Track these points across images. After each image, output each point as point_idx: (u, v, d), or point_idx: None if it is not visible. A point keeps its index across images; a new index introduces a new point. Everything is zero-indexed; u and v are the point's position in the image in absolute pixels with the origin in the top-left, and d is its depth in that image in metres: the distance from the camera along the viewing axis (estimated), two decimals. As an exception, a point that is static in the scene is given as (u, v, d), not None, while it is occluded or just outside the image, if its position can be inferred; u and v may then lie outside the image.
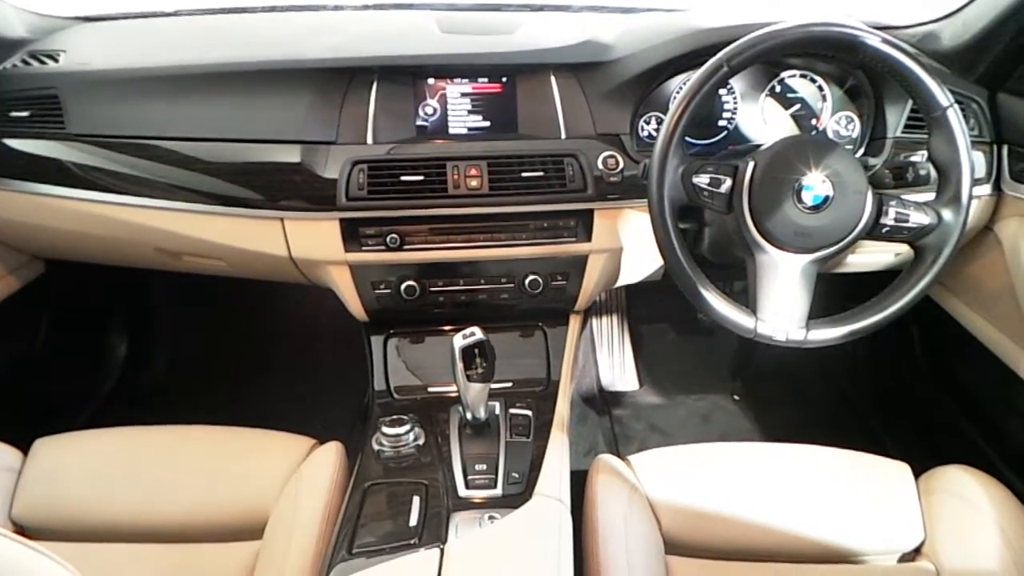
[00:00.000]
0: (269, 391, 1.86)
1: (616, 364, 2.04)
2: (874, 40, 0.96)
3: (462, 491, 1.02)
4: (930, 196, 1.02)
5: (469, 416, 1.10)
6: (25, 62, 1.29)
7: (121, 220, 1.24)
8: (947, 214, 0.99)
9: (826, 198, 0.98)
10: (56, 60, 1.28)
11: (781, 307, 1.02)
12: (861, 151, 1.28)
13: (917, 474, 1.14)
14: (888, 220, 1.00)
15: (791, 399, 1.92)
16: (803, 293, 1.02)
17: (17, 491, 1.11)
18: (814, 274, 1.03)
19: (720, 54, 0.99)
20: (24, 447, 1.17)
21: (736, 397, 1.99)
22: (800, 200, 0.98)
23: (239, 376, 1.94)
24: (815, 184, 0.98)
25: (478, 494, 1.02)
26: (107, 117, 1.22)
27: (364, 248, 1.21)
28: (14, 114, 1.24)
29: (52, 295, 1.67)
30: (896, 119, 1.24)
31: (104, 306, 1.94)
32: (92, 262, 1.48)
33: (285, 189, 1.19)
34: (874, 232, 1.01)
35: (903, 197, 1.01)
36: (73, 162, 1.22)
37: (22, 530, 1.09)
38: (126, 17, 1.43)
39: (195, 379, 1.98)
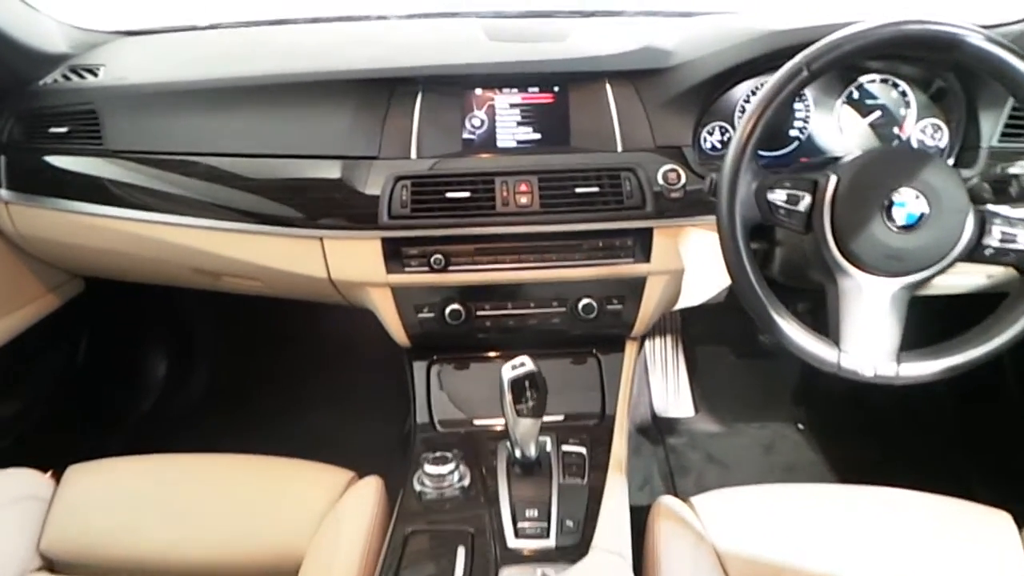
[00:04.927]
0: (308, 415, 1.82)
1: (670, 388, 1.93)
2: (977, 38, 0.85)
3: (511, 541, 0.94)
4: None
5: (518, 454, 1.02)
6: (66, 77, 1.27)
7: (158, 239, 1.20)
8: None
9: (920, 216, 0.87)
10: (96, 74, 1.26)
11: (868, 338, 0.91)
12: (951, 162, 1.17)
13: (1020, 524, 1.01)
14: (992, 241, 0.88)
15: (863, 431, 1.79)
16: (893, 322, 0.92)
17: (47, 522, 1.07)
18: (906, 301, 0.92)
19: (799, 57, 0.89)
20: (60, 465, 1.14)
21: (800, 426, 1.86)
22: (890, 218, 0.88)
23: (278, 399, 1.91)
24: (908, 200, 0.87)
25: (529, 545, 0.94)
26: (145, 133, 1.19)
27: (407, 269, 1.15)
28: (53, 130, 1.22)
29: (92, 313, 1.66)
30: (991, 127, 1.12)
31: (144, 325, 1.93)
32: (131, 280, 1.46)
33: (325, 207, 1.13)
34: (975, 254, 0.90)
35: (1008, 215, 0.90)
36: (110, 179, 1.19)
37: (51, 564, 1.05)
38: (167, 31, 1.41)
39: (234, 400, 1.94)
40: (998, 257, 0.89)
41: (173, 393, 1.95)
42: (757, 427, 1.86)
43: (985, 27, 1.20)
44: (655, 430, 1.87)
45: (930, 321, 1.03)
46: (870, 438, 1.77)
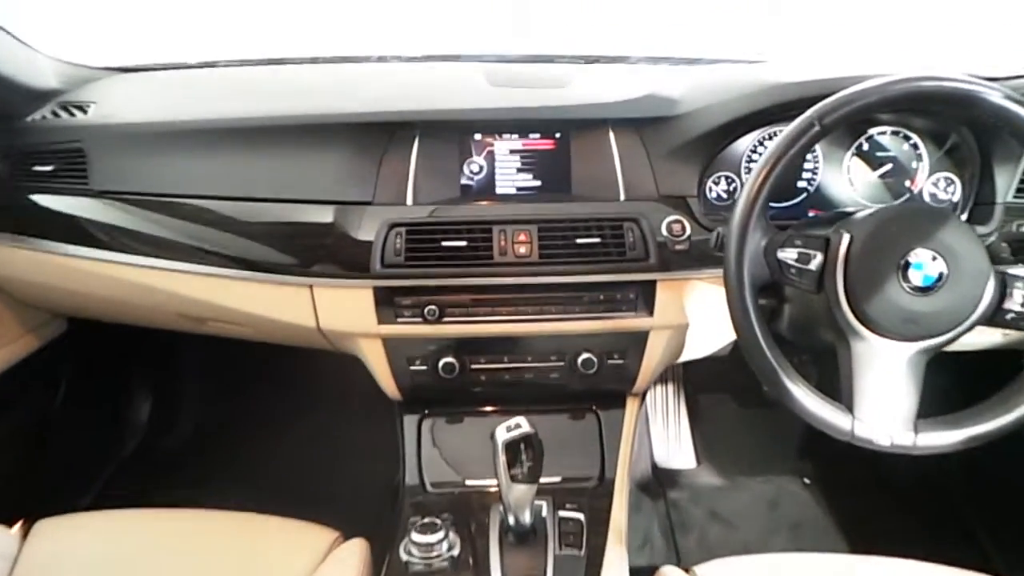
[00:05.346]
0: (294, 462, 1.76)
1: (672, 438, 1.86)
2: (995, 96, 0.82)
3: None
4: None
5: (512, 521, 0.96)
6: (55, 113, 1.23)
7: (142, 284, 1.16)
8: None
9: (938, 277, 0.83)
10: (85, 111, 1.22)
11: (883, 404, 0.86)
12: (964, 217, 1.13)
13: None
14: (1014, 305, 0.84)
15: (872, 487, 1.71)
16: (910, 388, 0.87)
17: (10, 583, 1.01)
18: (923, 365, 0.87)
19: (810, 111, 0.86)
20: (33, 512, 1.08)
21: (806, 480, 1.79)
22: (906, 279, 0.83)
23: (263, 445, 1.83)
24: (925, 261, 0.83)
25: None
26: (132, 173, 1.15)
27: (399, 320, 1.10)
28: (38, 168, 1.18)
29: (74, 354, 1.60)
30: (1007, 182, 1.09)
31: (128, 367, 1.87)
32: (114, 322, 1.41)
33: (316, 253, 1.09)
34: (996, 319, 0.85)
35: None
36: (93, 220, 1.15)
37: (10, 630, 0.98)
38: (161, 68, 1.37)
39: (218, 446, 1.88)
40: (1019, 322, 0.85)
41: (157, 438, 1.88)
42: (761, 481, 1.79)
43: (992, 79, 1.19)
44: (655, 483, 1.79)
45: (943, 379, 0.98)
46: (878, 494, 1.70)
